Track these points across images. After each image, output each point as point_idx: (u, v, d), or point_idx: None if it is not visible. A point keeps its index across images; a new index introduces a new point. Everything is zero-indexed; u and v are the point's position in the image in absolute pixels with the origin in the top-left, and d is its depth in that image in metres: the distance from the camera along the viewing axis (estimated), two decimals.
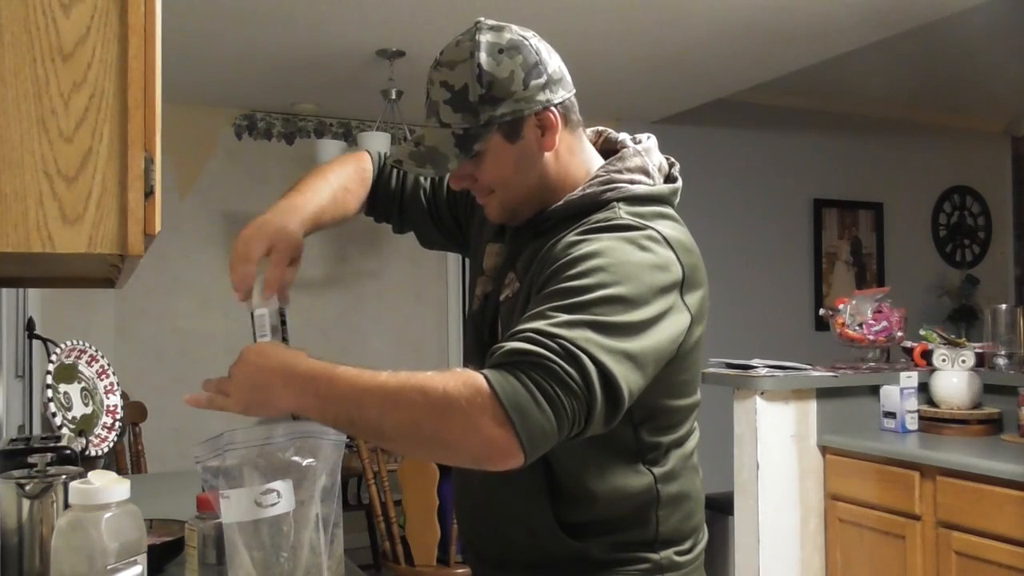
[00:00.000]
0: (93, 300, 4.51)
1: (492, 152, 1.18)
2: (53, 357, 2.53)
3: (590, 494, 1.19)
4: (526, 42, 1.18)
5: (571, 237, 1.15)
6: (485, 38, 1.16)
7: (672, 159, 1.34)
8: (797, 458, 3.01)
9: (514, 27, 1.19)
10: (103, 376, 2.63)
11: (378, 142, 3.89)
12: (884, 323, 3.22)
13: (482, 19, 1.20)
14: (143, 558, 1.06)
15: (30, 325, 2.90)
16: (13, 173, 0.88)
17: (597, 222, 1.17)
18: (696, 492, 1.29)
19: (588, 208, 1.20)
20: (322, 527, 1.15)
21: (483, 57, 1.14)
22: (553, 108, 1.19)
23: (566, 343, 0.99)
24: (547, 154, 1.21)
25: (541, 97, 1.17)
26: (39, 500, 1.26)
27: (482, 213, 1.31)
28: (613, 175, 1.23)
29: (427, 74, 1.20)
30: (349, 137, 5.04)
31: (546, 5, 3.38)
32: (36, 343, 2.89)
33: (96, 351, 2.65)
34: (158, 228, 0.94)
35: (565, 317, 1.02)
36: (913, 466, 2.70)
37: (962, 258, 6.38)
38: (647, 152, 1.28)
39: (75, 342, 2.62)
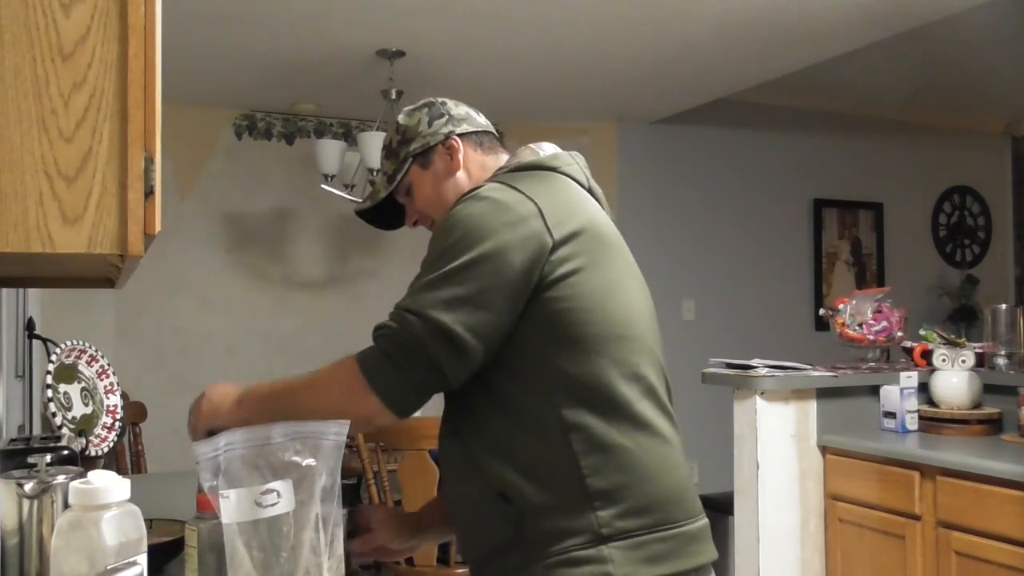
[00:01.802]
0: (93, 300, 4.51)
1: (415, 181, 1.47)
2: (53, 357, 2.52)
3: (495, 426, 1.27)
4: (435, 100, 1.51)
5: None
6: (405, 109, 1.52)
7: (572, 152, 1.49)
8: (797, 458, 3.01)
9: (434, 99, 1.52)
10: (103, 376, 2.63)
11: (378, 142, 3.89)
12: (884, 323, 3.22)
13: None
14: (143, 558, 1.06)
15: (30, 325, 2.90)
16: (13, 173, 0.88)
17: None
18: (640, 449, 1.26)
19: None
20: (322, 527, 1.15)
21: (401, 117, 1.51)
22: (455, 137, 1.46)
23: (402, 310, 1.23)
24: (459, 174, 1.46)
25: (443, 130, 1.47)
26: (39, 500, 1.26)
27: None
28: (502, 166, 1.45)
29: None
30: (349, 137, 5.04)
31: (546, 5, 3.38)
32: (36, 343, 2.88)
33: (96, 351, 2.65)
34: (158, 228, 0.94)
35: (413, 286, 1.26)
36: (913, 466, 2.70)
37: (962, 258, 6.38)
38: (537, 148, 1.45)
39: (75, 342, 2.62)
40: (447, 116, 1.48)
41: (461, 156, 1.46)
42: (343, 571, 1.19)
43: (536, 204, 1.29)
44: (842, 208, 5.87)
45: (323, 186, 4.11)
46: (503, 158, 1.49)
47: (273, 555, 1.13)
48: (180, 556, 1.42)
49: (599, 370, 1.26)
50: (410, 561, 3.04)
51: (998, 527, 2.42)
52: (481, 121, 1.51)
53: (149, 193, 0.93)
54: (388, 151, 1.51)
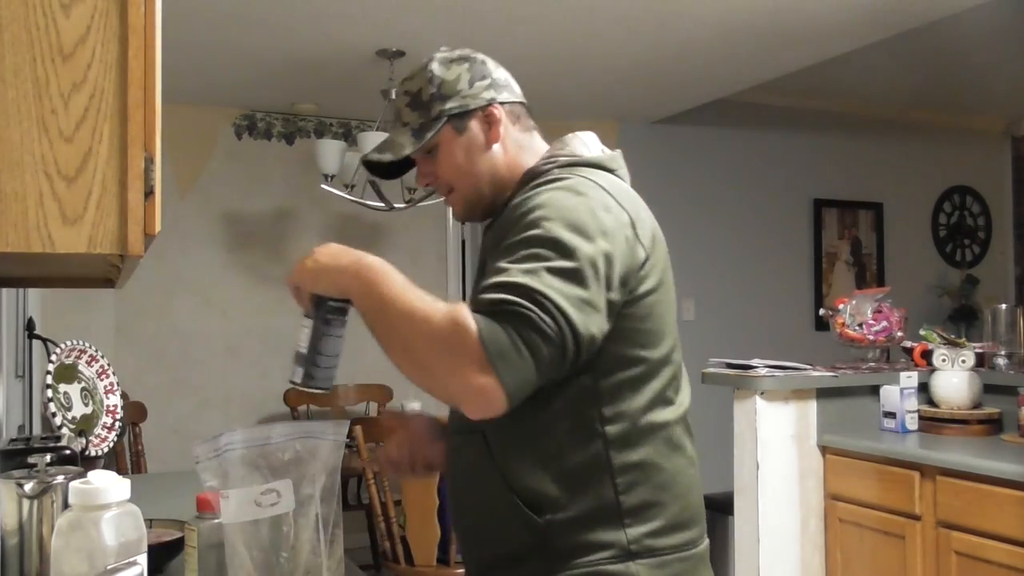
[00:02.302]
0: (93, 300, 4.51)
1: (444, 144, 1.33)
2: (53, 357, 2.52)
3: (532, 432, 1.21)
4: (475, 55, 1.36)
5: (515, 201, 1.26)
6: (439, 55, 1.36)
7: (616, 151, 1.42)
8: (797, 458, 3.01)
9: (467, 50, 1.37)
10: (103, 376, 2.63)
11: (378, 142, 3.89)
12: (884, 323, 3.21)
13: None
14: (143, 558, 1.06)
15: (30, 325, 2.90)
16: (13, 173, 0.88)
17: (536, 184, 1.28)
18: (674, 469, 1.26)
19: (530, 181, 1.31)
20: (322, 527, 1.15)
21: (435, 66, 1.34)
22: (497, 105, 1.34)
23: (534, 292, 1.08)
24: (495, 147, 1.34)
25: (485, 95, 1.33)
26: (39, 500, 1.26)
27: None
28: (556, 153, 1.36)
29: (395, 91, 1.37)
30: (349, 137, 5.04)
31: (546, 5, 3.38)
32: (36, 343, 2.89)
33: (96, 351, 2.65)
34: (158, 228, 0.94)
35: (525, 266, 1.12)
36: (913, 466, 2.70)
37: (962, 258, 6.38)
38: (584, 139, 1.39)
39: (75, 342, 2.62)
40: (489, 79, 1.35)
41: (502, 129, 1.34)
42: (343, 571, 1.19)
43: (627, 212, 1.24)
44: (842, 208, 5.87)
45: (323, 186, 4.11)
46: (538, 140, 1.40)
47: (273, 555, 1.13)
48: (180, 556, 1.42)
49: (650, 392, 1.25)
50: (410, 561, 3.04)
51: (998, 527, 2.42)
52: (518, 91, 1.40)
53: (149, 193, 0.93)
54: (416, 101, 1.33)
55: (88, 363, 2.62)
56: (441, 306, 1.11)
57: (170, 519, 1.59)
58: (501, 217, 1.29)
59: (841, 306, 3.29)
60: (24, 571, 1.27)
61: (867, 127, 5.89)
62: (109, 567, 1.00)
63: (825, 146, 5.79)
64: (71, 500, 1.04)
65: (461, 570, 2.97)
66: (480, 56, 1.36)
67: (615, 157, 1.38)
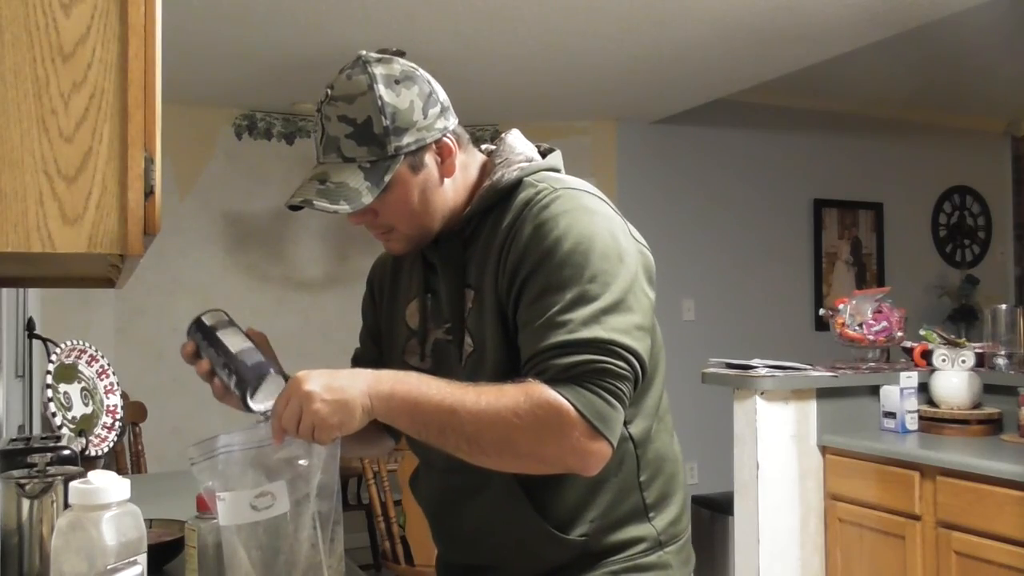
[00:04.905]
0: (93, 300, 4.51)
1: (399, 184, 1.18)
2: (53, 357, 2.53)
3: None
4: (416, 72, 1.20)
5: (526, 229, 1.16)
6: (378, 71, 1.18)
7: (544, 145, 1.35)
8: (797, 458, 3.01)
9: (399, 59, 1.21)
10: (103, 376, 2.63)
11: None
12: (884, 323, 3.21)
13: (364, 52, 1.22)
14: (143, 558, 1.06)
15: (30, 325, 2.90)
16: (13, 173, 0.88)
17: (533, 202, 1.18)
18: (674, 455, 1.30)
19: (504, 194, 1.22)
20: (320, 525, 1.15)
21: (382, 89, 1.16)
22: (449, 135, 1.21)
23: (602, 343, 1.09)
24: (447, 180, 1.22)
25: (439, 125, 1.19)
26: (39, 500, 1.26)
27: (386, 298, 1.37)
28: (508, 158, 1.25)
29: (319, 110, 1.21)
30: None
31: (547, 5, 3.38)
32: (36, 343, 2.89)
33: (96, 351, 2.65)
34: (158, 228, 0.94)
35: (582, 314, 1.10)
36: (913, 466, 2.70)
37: (962, 258, 6.38)
38: (516, 140, 1.30)
39: (75, 342, 2.62)
40: (439, 105, 1.20)
41: (456, 160, 1.22)
42: (343, 569, 1.18)
43: (616, 214, 1.23)
44: (842, 208, 5.87)
45: None
46: (476, 153, 1.29)
47: (272, 554, 1.13)
48: (180, 556, 1.42)
49: (660, 384, 1.28)
50: (410, 561, 3.04)
51: (998, 527, 2.42)
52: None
53: (149, 193, 0.93)
54: (363, 133, 1.15)
55: (88, 363, 2.62)
56: (513, 393, 1.08)
57: (170, 519, 1.59)
58: (483, 238, 1.22)
59: (841, 306, 3.29)
60: (24, 571, 1.27)
61: (867, 127, 5.89)
62: (109, 567, 1.00)
63: (825, 146, 5.79)
64: (71, 500, 1.04)
65: None
66: (420, 71, 1.21)
67: (560, 156, 1.31)
